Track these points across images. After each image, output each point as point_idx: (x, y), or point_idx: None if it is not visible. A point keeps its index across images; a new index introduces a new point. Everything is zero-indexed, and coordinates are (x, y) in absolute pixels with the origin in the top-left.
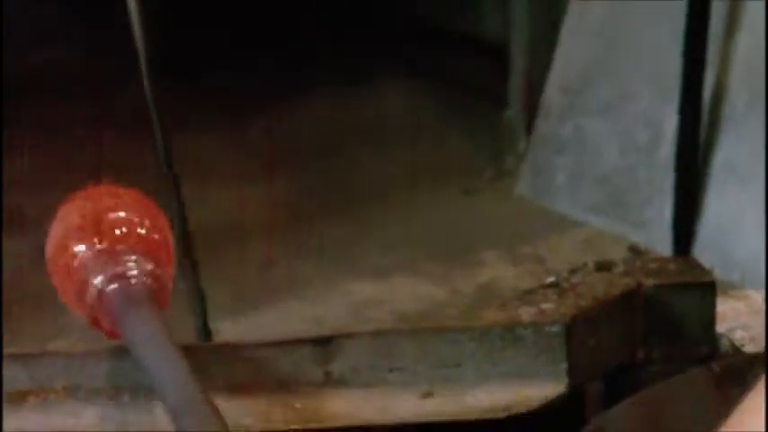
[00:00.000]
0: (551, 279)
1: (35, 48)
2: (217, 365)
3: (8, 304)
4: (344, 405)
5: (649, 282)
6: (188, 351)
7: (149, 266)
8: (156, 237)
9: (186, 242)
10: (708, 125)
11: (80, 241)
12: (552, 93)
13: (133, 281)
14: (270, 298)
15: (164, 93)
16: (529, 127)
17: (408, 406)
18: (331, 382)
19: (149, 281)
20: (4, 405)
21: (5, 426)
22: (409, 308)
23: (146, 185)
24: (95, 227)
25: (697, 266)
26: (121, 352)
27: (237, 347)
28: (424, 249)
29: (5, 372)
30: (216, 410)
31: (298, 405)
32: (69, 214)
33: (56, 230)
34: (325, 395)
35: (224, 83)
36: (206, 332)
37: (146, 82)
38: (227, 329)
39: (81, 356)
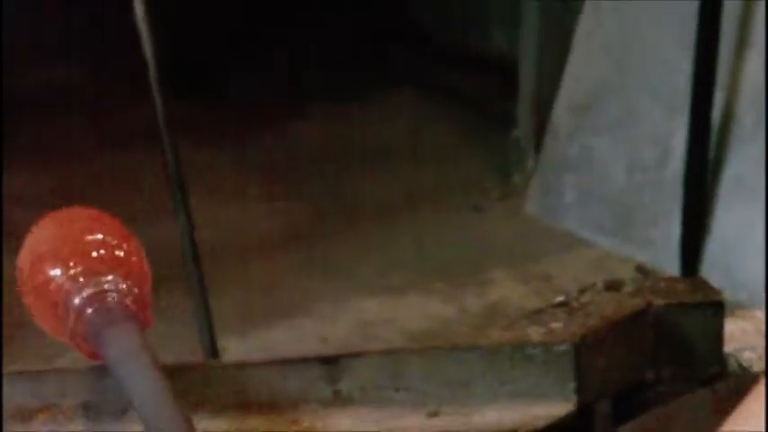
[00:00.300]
0: (560, 298)
1: (37, 64)
2: (225, 384)
3: (11, 322)
4: (352, 424)
5: (659, 302)
6: (197, 369)
7: (128, 287)
8: (134, 259)
9: (194, 260)
10: (716, 145)
11: (56, 264)
12: (561, 112)
13: (112, 301)
14: (277, 316)
15: (172, 109)
16: (537, 146)
17: (415, 425)
18: (339, 400)
19: (129, 301)
20: (13, 422)
21: None
22: (417, 326)
23: (148, 203)
24: (72, 249)
25: (706, 287)
26: None
27: (246, 366)
28: (432, 267)
29: (14, 388)
30: (193, 430)
31: (306, 423)
32: (44, 236)
33: (30, 252)
34: (334, 414)
35: (229, 99)
36: (213, 350)
37: (156, 99)
38: (235, 347)
39: (89, 373)
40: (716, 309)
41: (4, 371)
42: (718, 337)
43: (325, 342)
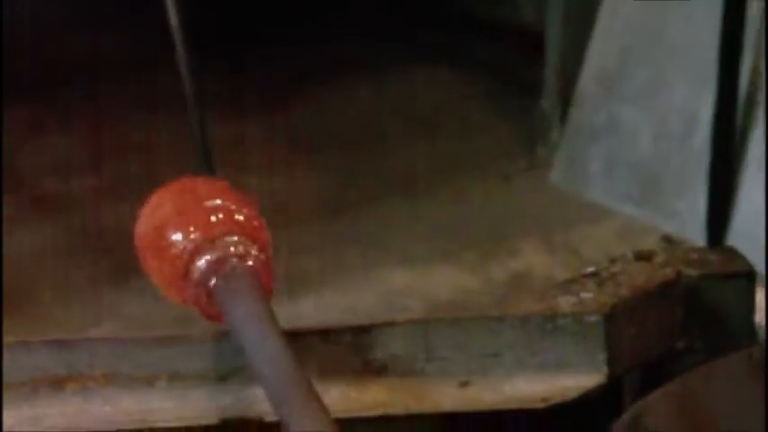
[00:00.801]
0: (591, 269)
1: (68, 33)
2: None
3: (38, 291)
4: (383, 394)
5: (690, 272)
6: (222, 340)
7: (252, 251)
8: (255, 223)
9: None
10: (743, 113)
11: (178, 228)
12: (587, 81)
13: (237, 265)
14: (304, 286)
15: (201, 78)
16: (563, 116)
17: (446, 395)
18: (370, 370)
19: (253, 264)
20: (44, 390)
21: (46, 411)
22: (443, 296)
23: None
24: (193, 215)
25: (737, 257)
26: (159, 339)
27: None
28: (457, 238)
29: (45, 357)
30: (319, 400)
31: (336, 394)
32: (165, 202)
33: (151, 219)
34: (365, 384)
35: (257, 70)
36: None
37: (183, 69)
38: None
39: (119, 343)
40: (748, 279)
41: (35, 339)
42: (749, 307)
43: (352, 312)
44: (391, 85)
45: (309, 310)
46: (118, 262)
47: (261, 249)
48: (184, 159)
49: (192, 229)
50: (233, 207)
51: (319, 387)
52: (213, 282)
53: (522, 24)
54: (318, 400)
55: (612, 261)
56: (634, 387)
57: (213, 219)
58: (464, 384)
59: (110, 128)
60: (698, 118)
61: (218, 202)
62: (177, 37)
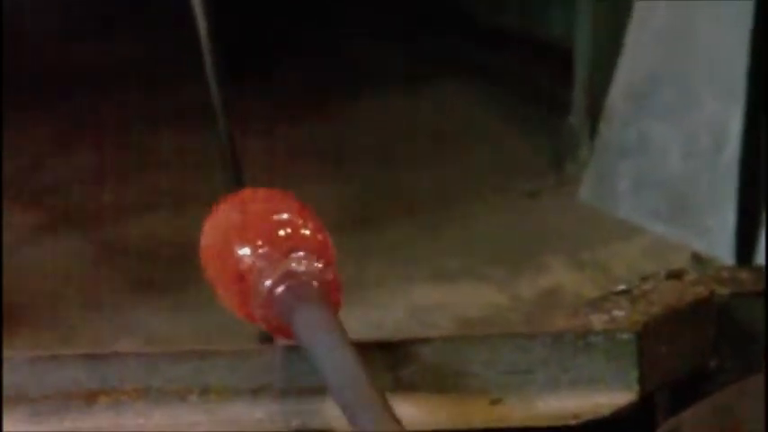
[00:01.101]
0: (622, 286)
1: (89, 41)
2: (282, 369)
3: (64, 304)
4: (414, 410)
5: (722, 290)
6: (257, 354)
7: (318, 265)
8: (320, 237)
9: None
10: None
11: (245, 243)
12: (616, 97)
13: (305, 279)
14: None
15: (229, 93)
16: (592, 132)
17: (478, 412)
18: (401, 387)
19: (320, 279)
20: (75, 404)
21: (77, 425)
22: (472, 313)
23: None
24: (260, 229)
25: None
26: (189, 353)
27: (300, 350)
28: (485, 254)
29: (76, 371)
30: (392, 411)
31: None
32: (228, 216)
33: (215, 232)
34: (395, 400)
35: (281, 83)
36: (268, 336)
37: (212, 83)
38: None
39: (150, 357)
40: None
41: (68, 353)
42: None
43: (380, 328)
44: (419, 100)
45: None
46: (140, 275)
47: (327, 264)
48: (209, 172)
49: (260, 243)
50: (300, 222)
51: None
52: (283, 297)
53: (550, 40)
54: (392, 411)
55: (644, 279)
56: (666, 405)
57: (282, 233)
58: (496, 402)
59: (136, 140)
60: (727, 134)
61: (285, 216)
62: (206, 46)
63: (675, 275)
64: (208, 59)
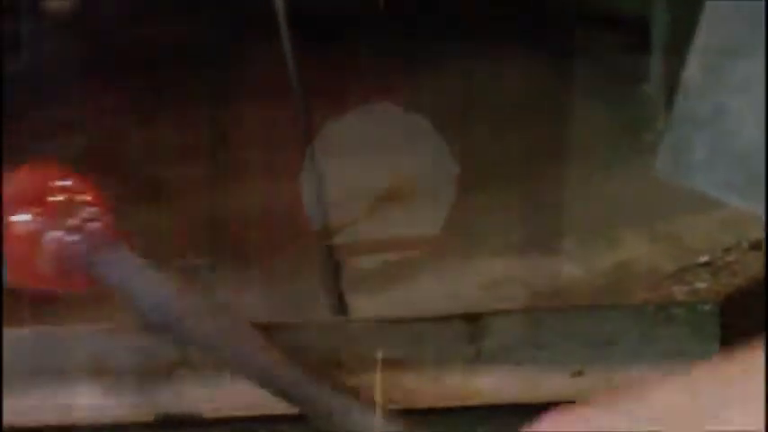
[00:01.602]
0: (704, 258)
1: (167, 19)
2: (364, 340)
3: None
4: (494, 382)
5: None
6: (337, 326)
7: (98, 214)
8: (88, 195)
9: (323, 215)
10: None
11: (23, 210)
12: (693, 69)
13: (93, 226)
14: (400, 274)
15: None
16: (668, 103)
17: (558, 384)
18: (481, 359)
19: (105, 225)
20: (156, 376)
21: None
22: (546, 285)
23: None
24: (34, 196)
25: None
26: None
27: (389, 322)
28: (557, 226)
29: (157, 343)
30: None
31: (448, 381)
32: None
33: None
34: (476, 372)
35: (350, 56)
36: (342, 308)
37: (288, 55)
38: (362, 306)
39: None
40: None
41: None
42: None
43: (449, 300)
44: (487, 73)
45: (405, 298)
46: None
47: (104, 212)
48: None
49: (35, 210)
50: (64, 186)
51: (431, 374)
52: (75, 249)
53: (625, 9)
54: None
55: (726, 250)
56: None
57: (52, 199)
58: (577, 374)
59: (208, 116)
60: None
61: (54, 184)
62: (282, 22)
63: (758, 246)
64: (284, 32)
